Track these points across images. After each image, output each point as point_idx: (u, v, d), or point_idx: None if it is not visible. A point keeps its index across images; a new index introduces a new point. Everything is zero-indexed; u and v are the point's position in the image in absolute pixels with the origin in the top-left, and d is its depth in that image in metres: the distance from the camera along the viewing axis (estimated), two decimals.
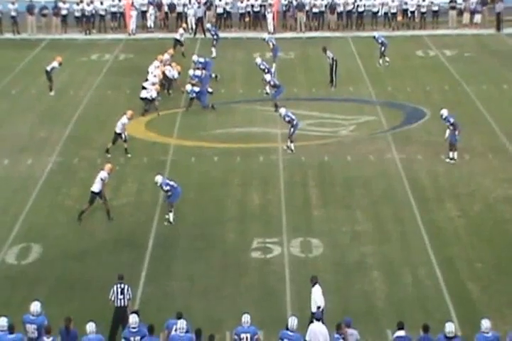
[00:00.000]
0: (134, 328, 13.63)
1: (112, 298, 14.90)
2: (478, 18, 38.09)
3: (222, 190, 21.27)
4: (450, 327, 13.46)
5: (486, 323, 13.52)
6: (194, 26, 37.54)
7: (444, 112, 23.07)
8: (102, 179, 19.51)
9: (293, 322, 13.74)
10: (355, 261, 17.87)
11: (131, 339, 13.61)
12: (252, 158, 23.18)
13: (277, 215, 19.95)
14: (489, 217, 19.73)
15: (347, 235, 18.99)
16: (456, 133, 22.65)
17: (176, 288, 16.90)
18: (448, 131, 22.79)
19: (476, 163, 22.80)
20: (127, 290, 14.94)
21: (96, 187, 19.54)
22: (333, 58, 28.95)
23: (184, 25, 35.96)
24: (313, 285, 14.96)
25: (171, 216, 19.44)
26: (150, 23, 38.11)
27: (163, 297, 16.50)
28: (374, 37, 32.10)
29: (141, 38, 37.31)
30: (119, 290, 14.90)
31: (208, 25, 34.87)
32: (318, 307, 14.74)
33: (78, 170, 22.75)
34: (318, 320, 14.11)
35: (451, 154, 22.77)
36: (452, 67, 32.08)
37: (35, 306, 14.03)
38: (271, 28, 37.62)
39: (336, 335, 13.67)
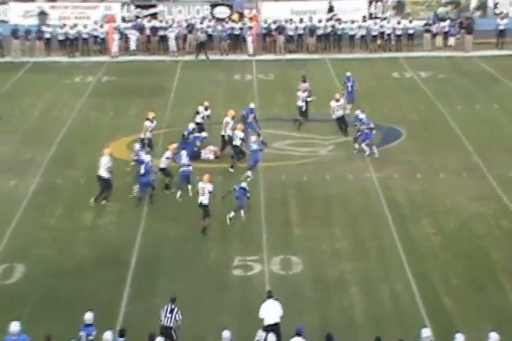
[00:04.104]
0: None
1: (161, 317, 15.02)
2: (452, 40, 38.64)
3: None
4: (427, 333, 13.75)
5: (460, 337, 13.74)
6: (175, 49, 37.84)
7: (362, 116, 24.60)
8: (209, 192, 19.92)
9: (271, 338, 13.88)
10: (335, 277, 18.00)
11: None
12: (233, 177, 23.30)
13: (258, 233, 20.07)
14: (463, 234, 19.96)
15: (326, 252, 19.14)
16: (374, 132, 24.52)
17: (159, 304, 16.90)
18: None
19: (450, 181, 23.07)
20: (176, 312, 15.03)
21: (205, 200, 19.97)
22: (310, 91, 28.20)
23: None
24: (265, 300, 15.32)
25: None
26: (132, 46, 38.32)
27: (146, 314, 16.53)
28: (347, 78, 29.04)
29: (124, 61, 37.51)
30: (169, 310, 15.04)
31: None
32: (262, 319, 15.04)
33: (62, 190, 22.80)
34: (299, 335, 14.25)
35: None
36: (427, 88, 32.48)
37: (15, 326, 14.12)
38: (251, 50, 37.98)
39: None
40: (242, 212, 20.71)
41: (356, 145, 25.09)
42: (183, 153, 22.35)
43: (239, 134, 23.95)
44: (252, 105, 26.01)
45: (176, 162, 22.28)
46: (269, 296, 15.39)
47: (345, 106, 26.84)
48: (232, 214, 20.45)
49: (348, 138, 25.95)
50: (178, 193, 21.80)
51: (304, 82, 28.45)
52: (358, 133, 24.98)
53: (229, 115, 24.88)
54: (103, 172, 21.35)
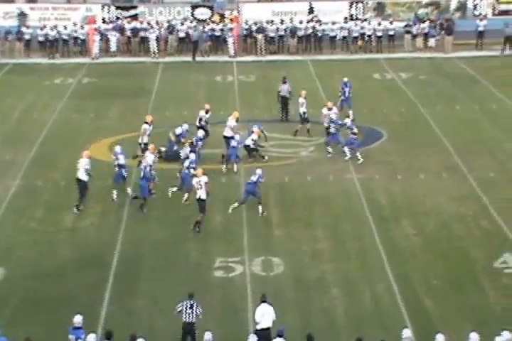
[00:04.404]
0: None
1: (178, 310, 15.04)
2: (432, 41, 38.87)
3: (185, 210, 21.37)
4: (407, 333, 13.85)
5: (440, 338, 13.82)
6: (156, 50, 37.80)
7: (347, 121, 24.91)
8: (205, 183, 20.01)
9: (253, 339, 13.90)
10: (316, 278, 18.06)
11: None
12: (214, 179, 23.28)
13: (239, 234, 20.10)
14: (443, 235, 20.07)
15: (307, 253, 19.19)
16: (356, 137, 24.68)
17: (140, 306, 16.93)
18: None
19: (431, 182, 23.21)
20: (196, 306, 15.05)
21: (203, 194, 19.93)
22: (290, 92, 28.07)
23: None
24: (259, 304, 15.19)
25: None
26: (113, 47, 38.21)
27: (127, 315, 16.52)
28: (344, 83, 28.83)
29: (105, 62, 37.41)
30: (189, 305, 15.03)
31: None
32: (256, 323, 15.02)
33: (42, 192, 22.71)
34: (280, 336, 14.28)
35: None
36: (408, 89, 32.67)
37: None
38: (232, 51, 38.01)
39: None
40: (236, 204, 20.92)
41: (330, 149, 25.19)
42: (192, 156, 22.16)
43: (253, 136, 24.40)
44: (255, 128, 24.81)
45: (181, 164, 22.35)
46: (263, 300, 15.29)
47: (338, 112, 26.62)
48: (260, 208, 20.89)
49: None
50: (186, 195, 21.64)
51: (285, 83, 28.44)
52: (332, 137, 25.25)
53: (233, 117, 24.86)
54: (81, 175, 21.16)
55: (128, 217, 21.12)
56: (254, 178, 21.06)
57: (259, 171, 21.28)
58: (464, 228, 20.39)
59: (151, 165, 21.57)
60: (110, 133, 27.26)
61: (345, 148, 24.64)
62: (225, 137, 24.70)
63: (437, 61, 37.50)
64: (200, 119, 25.77)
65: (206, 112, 25.84)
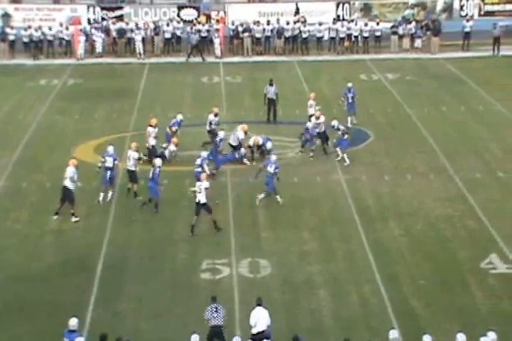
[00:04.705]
0: None
1: (207, 317, 14.97)
2: (418, 42, 38.99)
3: (172, 212, 21.35)
4: (394, 334, 13.91)
5: (427, 339, 13.85)
6: (142, 51, 37.71)
7: (335, 123, 24.95)
8: (206, 188, 20.00)
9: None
10: (303, 280, 18.05)
11: None
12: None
13: (226, 236, 20.07)
14: (431, 236, 20.11)
15: (294, 255, 19.18)
16: (346, 137, 24.56)
17: (126, 309, 16.87)
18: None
19: (417, 182, 23.27)
20: (221, 309, 15.02)
21: (203, 198, 19.93)
22: (277, 93, 28.09)
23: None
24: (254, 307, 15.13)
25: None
26: (98, 48, 38.08)
27: (113, 319, 16.45)
28: (348, 89, 28.14)
29: (90, 63, 37.29)
30: (214, 309, 15.00)
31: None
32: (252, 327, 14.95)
33: (27, 194, 22.60)
34: (267, 338, 14.26)
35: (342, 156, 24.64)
36: (394, 90, 32.74)
37: None
38: (218, 52, 37.98)
39: None
40: (278, 197, 21.53)
41: (301, 150, 25.62)
42: (203, 154, 22.35)
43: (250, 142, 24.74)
44: (269, 145, 24.84)
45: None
46: (259, 303, 15.21)
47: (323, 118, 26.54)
48: (261, 195, 21.41)
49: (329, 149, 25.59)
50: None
51: (271, 85, 28.36)
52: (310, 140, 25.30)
53: (242, 129, 24.77)
54: (68, 183, 20.90)
55: (113, 219, 21.05)
56: (271, 170, 21.37)
57: (273, 158, 21.65)
58: (451, 229, 20.44)
59: (160, 167, 21.44)
60: (96, 135, 27.19)
61: (337, 149, 24.67)
62: (231, 145, 24.79)
63: (424, 62, 37.60)
64: (210, 123, 25.79)
65: (215, 115, 25.84)
